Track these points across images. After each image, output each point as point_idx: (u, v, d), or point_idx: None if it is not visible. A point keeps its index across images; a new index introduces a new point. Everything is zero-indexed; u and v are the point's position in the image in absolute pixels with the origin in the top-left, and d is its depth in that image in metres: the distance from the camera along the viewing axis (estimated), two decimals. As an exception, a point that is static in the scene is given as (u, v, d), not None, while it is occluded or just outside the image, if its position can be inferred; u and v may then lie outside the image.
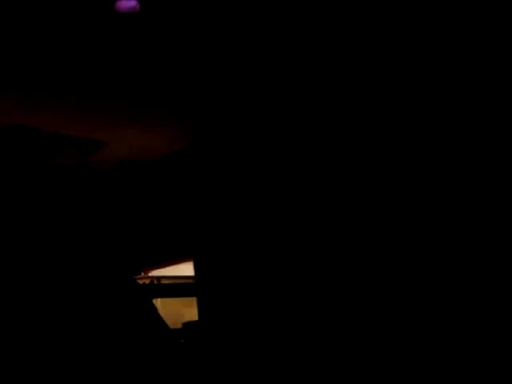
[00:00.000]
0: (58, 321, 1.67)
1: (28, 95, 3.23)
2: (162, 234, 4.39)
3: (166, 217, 4.38)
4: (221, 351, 3.71)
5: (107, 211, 4.44)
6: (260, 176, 3.60)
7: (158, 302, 4.30)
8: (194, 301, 4.08)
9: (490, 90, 2.79)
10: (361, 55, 2.98)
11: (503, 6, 2.62)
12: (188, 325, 4.10)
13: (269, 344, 3.39)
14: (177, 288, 4.50)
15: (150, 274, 4.65)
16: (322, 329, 3.16)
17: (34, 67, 2.94)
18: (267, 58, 3.08)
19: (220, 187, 3.89)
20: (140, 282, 4.06)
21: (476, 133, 2.79)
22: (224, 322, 3.76)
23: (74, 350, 1.66)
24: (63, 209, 1.97)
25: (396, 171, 3.09)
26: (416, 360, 2.90)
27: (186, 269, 4.44)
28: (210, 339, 3.84)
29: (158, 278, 4.53)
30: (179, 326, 4.15)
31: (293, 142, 3.42)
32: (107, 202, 4.47)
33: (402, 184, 3.09)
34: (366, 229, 3.17)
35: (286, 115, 3.47)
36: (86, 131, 3.73)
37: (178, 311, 4.76)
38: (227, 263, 3.82)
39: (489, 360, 2.62)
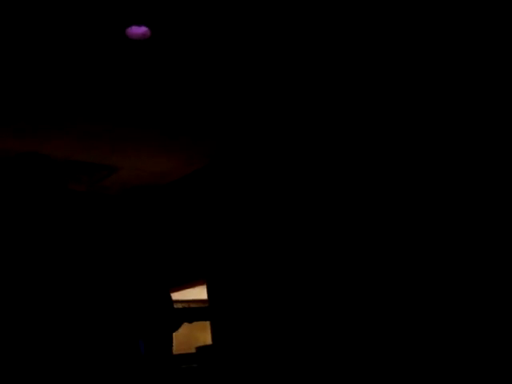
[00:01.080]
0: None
1: (39, 123, 3.26)
2: (174, 258, 4.39)
3: (178, 240, 4.37)
4: (235, 376, 3.68)
5: (118, 236, 4.44)
6: (273, 201, 3.60)
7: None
8: (207, 324, 4.06)
9: (490, 91, 2.79)
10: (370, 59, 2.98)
11: (503, 6, 2.62)
12: (201, 349, 4.07)
13: (283, 370, 3.35)
14: (190, 312, 4.48)
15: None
16: (335, 345, 3.13)
17: (46, 95, 2.97)
18: (281, 84, 3.10)
19: (233, 211, 3.89)
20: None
21: (476, 133, 2.78)
22: (238, 345, 3.73)
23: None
24: (76, 233, 1.98)
25: (396, 171, 3.08)
26: (416, 359, 2.87)
27: (199, 292, 4.43)
28: (223, 363, 3.80)
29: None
30: (192, 350, 4.12)
31: (304, 169, 3.42)
32: (118, 227, 4.47)
33: (402, 183, 3.09)
34: (370, 234, 3.17)
35: (298, 140, 3.48)
36: (97, 157, 3.75)
37: (192, 335, 4.73)
38: (241, 286, 3.80)
39: (489, 359, 2.59)
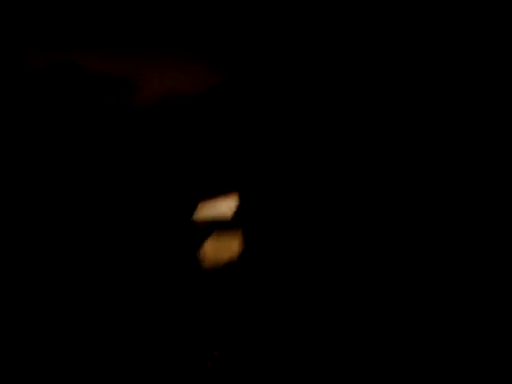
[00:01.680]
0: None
1: (66, 35, 3.20)
2: (204, 171, 4.40)
3: (208, 153, 4.37)
4: (266, 289, 3.77)
5: (149, 149, 4.46)
6: (307, 110, 3.52)
7: (203, 239, 4.35)
8: (238, 237, 4.12)
9: (490, 90, 2.70)
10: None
11: (503, 6, 2.52)
12: (231, 263, 4.15)
13: (313, 283, 3.41)
14: (219, 225, 4.54)
15: (193, 211, 4.70)
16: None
17: (71, 9, 2.90)
18: None
19: (261, 122, 3.84)
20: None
21: (477, 133, 2.69)
22: (269, 258, 3.79)
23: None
24: (106, 148, 1.98)
25: (396, 170, 2.99)
26: (416, 359, 2.91)
27: (229, 205, 4.46)
28: (254, 277, 3.89)
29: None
30: (222, 263, 4.20)
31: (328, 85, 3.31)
32: (148, 141, 4.48)
33: (403, 183, 3.03)
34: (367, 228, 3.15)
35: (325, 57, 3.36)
36: (122, 72, 3.71)
37: (221, 249, 4.82)
38: (271, 198, 3.82)
39: (489, 359, 2.60)
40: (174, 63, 3.67)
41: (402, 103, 3.01)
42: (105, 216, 1.76)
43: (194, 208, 4.62)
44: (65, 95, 1.92)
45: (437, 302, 2.84)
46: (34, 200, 1.77)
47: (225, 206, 4.60)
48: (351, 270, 3.23)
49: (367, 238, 3.16)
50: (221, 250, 4.80)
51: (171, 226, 1.87)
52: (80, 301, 1.65)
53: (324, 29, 3.28)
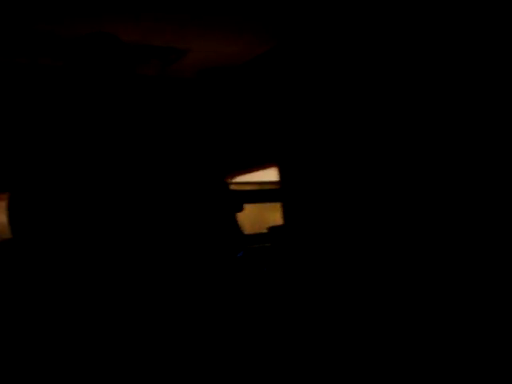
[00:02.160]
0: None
1: (109, 5, 3.23)
2: (246, 140, 4.43)
3: (249, 123, 4.39)
4: (306, 255, 3.80)
5: (192, 119, 4.51)
6: (347, 86, 3.48)
7: (245, 207, 4.39)
8: (278, 206, 4.15)
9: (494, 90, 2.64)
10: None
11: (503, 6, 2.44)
12: (273, 229, 4.20)
13: (353, 257, 3.41)
14: (261, 194, 4.58)
15: (234, 180, 4.74)
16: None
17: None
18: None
19: (306, 94, 3.82)
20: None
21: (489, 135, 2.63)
22: (308, 226, 3.82)
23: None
24: (148, 117, 2.00)
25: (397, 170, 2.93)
26: (416, 359, 2.90)
27: (270, 175, 4.49)
28: (295, 243, 3.93)
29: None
30: (264, 230, 4.26)
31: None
32: (191, 110, 4.52)
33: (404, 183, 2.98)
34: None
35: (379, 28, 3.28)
36: (167, 40, 3.72)
37: (263, 216, 4.87)
38: (311, 169, 3.82)
39: (489, 359, 2.59)
40: (220, 32, 3.66)
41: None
42: (149, 181, 1.79)
43: (234, 176, 4.67)
44: (102, 63, 1.93)
45: (437, 301, 2.87)
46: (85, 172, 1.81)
47: (265, 177, 4.63)
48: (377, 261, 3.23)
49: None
50: (260, 218, 4.85)
51: (212, 192, 1.90)
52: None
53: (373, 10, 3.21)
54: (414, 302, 2.99)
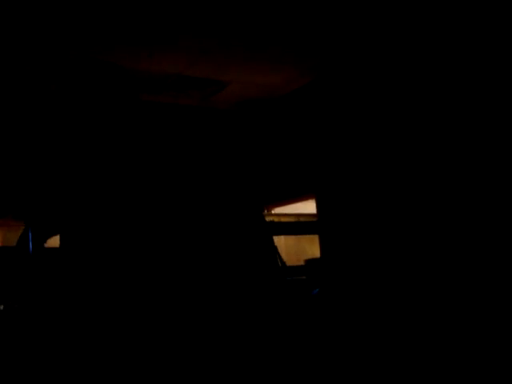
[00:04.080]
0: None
1: (152, 38, 3.29)
2: (284, 172, 4.41)
3: (288, 154, 4.38)
4: (342, 288, 3.73)
5: (230, 149, 4.52)
6: (386, 118, 3.46)
7: (282, 240, 4.36)
8: (316, 238, 4.10)
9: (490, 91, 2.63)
10: None
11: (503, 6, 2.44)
12: (310, 262, 4.14)
13: (390, 288, 3.34)
14: (299, 226, 4.54)
15: (272, 212, 4.72)
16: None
17: (159, 10, 2.97)
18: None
19: (344, 125, 3.80)
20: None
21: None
22: (346, 259, 3.75)
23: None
24: (188, 148, 2.01)
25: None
26: (416, 359, 2.81)
27: (308, 207, 4.46)
28: (331, 276, 3.86)
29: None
30: (302, 262, 4.21)
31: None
32: (230, 140, 4.54)
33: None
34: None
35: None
36: (207, 72, 3.76)
37: (302, 248, 4.82)
38: (350, 201, 3.77)
39: (489, 359, 2.54)
40: (261, 65, 3.69)
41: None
42: (185, 210, 1.79)
43: (271, 207, 4.65)
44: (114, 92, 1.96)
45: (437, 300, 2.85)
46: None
47: (304, 208, 4.60)
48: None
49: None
50: (298, 249, 4.80)
51: (250, 223, 1.89)
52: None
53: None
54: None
